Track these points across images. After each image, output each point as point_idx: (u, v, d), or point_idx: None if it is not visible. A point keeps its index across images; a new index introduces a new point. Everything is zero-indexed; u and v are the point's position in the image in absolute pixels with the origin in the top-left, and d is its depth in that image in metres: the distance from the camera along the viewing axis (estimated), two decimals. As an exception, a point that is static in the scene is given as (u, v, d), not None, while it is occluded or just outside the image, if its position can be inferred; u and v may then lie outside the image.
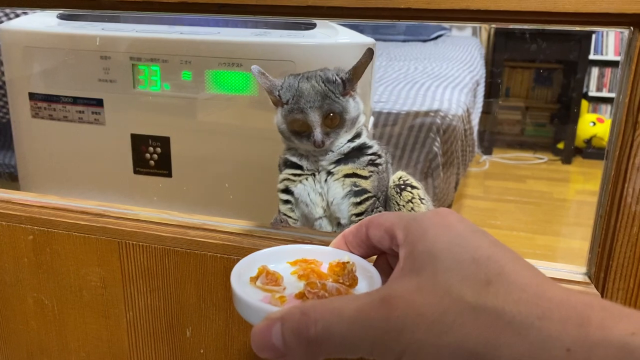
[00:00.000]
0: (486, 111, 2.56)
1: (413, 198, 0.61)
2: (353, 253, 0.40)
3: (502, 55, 3.27)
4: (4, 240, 0.63)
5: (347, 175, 0.61)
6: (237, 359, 0.58)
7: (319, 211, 0.63)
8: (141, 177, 0.85)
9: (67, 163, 0.91)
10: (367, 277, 0.38)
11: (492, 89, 3.08)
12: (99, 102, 0.83)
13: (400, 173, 0.63)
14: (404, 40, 3.19)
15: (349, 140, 0.62)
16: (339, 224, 0.64)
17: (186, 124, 0.84)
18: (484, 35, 3.52)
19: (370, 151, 0.62)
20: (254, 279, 0.38)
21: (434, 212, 0.34)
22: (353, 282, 0.38)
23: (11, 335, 0.67)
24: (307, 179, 0.62)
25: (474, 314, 0.27)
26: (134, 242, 0.58)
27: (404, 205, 0.61)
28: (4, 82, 1.02)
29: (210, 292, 0.57)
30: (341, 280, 0.38)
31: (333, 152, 0.62)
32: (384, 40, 3.07)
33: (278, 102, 0.62)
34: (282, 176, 0.64)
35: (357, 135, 0.62)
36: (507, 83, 3.49)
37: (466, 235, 0.31)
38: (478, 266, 0.29)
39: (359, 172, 0.61)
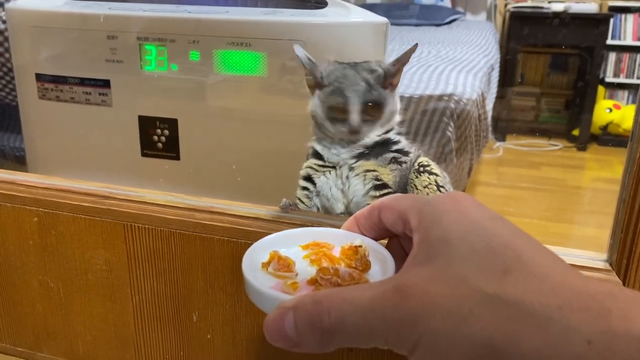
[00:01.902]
0: (500, 96, 2.53)
1: (430, 184, 0.60)
2: (365, 236, 0.39)
3: (517, 40, 3.22)
4: (9, 223, 0.62)
5: (368, 171, 0.60)
6: (244, 345, 0.57)
7: (340, 207, 0.62)
8: (149, 160, 0.84)
9: (75, 145, 0.90)
10: (380, 260, 0.37)
11: (507, 74, 3.04)
12: (106, 83, 0.82)
13: (422, 158, 0.62)
14: (417, 25, 3.15)
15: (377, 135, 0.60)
16: None
17: (194, 106, 0.82)
18: (499, 19, 3.47)
19: (394, 147, 0.61)
20: (265, 265, 0.37)
21: (449, 196, 0.33)
22: (366, 266, 0.37)
23: (17, 318, 0.66)
24: (330, 172, 0.62)
25: (491, 304, 0.26)
26: (140, 225, 0.57)
27: (420, 191, 0.60)
28: (11, 65, 1.01)
29: (218, 277, 0.56)
30: (354, 265, 0.37)
31: (358, 144, 0.60)
32: (397, 25, 3.03)
33: (317, 85, 0.61)
34: (306, 164, 0.64)
35: (386, 131, 0.61)
36: (522, 68, 3.44)
37: (482, 222, 0.30)
38: (495, 255, 0.28)
39: (380, 169, 0.60)
